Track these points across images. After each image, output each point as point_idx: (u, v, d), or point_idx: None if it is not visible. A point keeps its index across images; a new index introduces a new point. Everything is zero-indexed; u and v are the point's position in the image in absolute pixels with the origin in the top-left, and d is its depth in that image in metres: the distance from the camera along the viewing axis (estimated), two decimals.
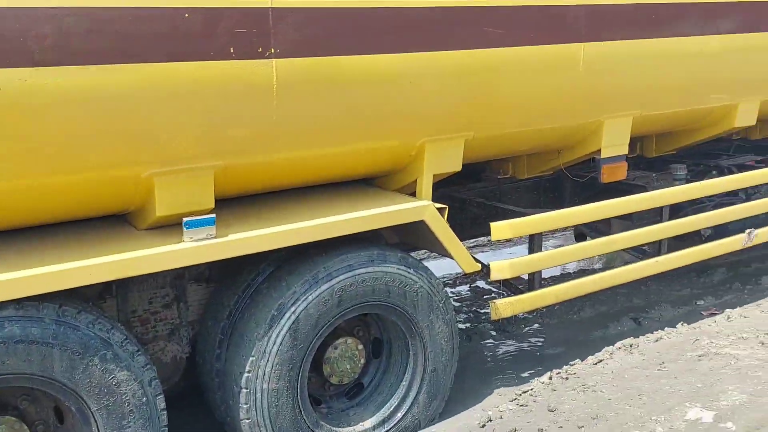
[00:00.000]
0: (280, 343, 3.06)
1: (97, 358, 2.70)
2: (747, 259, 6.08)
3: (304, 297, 3.10)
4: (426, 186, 3.68)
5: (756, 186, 5.24)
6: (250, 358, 3.04)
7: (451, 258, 3.70)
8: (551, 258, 4.16)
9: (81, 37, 2.50)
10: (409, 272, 3.46)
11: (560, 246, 6.21)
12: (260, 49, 2.91)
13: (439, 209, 3.55)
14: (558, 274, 5.80)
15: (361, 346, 3.46)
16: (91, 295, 3.05)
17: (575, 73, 3.85)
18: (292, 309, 3.08)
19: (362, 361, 3.49)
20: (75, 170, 2.67)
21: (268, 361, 3.04)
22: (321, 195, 3.58)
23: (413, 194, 3.71)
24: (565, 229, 5.06)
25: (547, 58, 3.75)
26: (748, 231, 5.00)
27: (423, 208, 3.48)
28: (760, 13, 4.59)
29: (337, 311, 3.20)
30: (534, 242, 4.07)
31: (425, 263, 5.56)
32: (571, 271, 5.91)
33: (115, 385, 2.75)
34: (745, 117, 4.87)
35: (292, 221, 3.08)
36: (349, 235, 3.22)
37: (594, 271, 5.29)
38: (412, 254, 3.78)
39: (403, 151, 3.61)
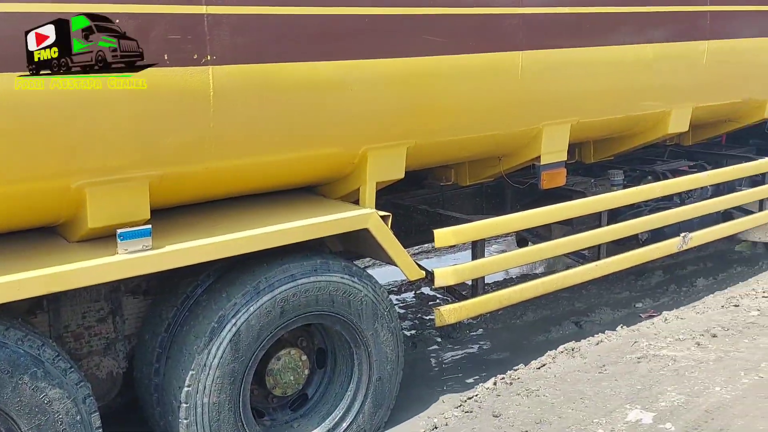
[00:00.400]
0: (221, 356, 2.99)
1: (27, 376, 2.59)
2: (682, 262, 6.27)
3: (246, 308, 3.04)
4: (369, 194, 3.66)
5: (689, 190, 5.42)
6: (190, 372, 2.96)
7: (396, 266, 3.69)
8: (494, 264, 4.20)
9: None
10: (353, 281, 3.43)
11: (503, 251, 6.33)
12: (196, 56, 2.85)
13: (382, 217, 3.53)
14: (501, 279, 5.86)
15: (304, 357, 3.41)
16: (20, 310, 2.92)
17: (514, 80, 3.90)
18: (233, 321, 3.01)
19: (306, 371, 3.44)
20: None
21: (208, 374, 2.97)
22: (262, 204, 3.53)
23: (357, 202, 3.70)
24: (507, 234, 5.11)
25: (487, 66, 3.78)
26: (682, 234, 5.15)
27: (366, 216, 3.46)
28: (691, 22, 4.74)
29: (279, 322, 3.15)
30: (477, 248, 4.10)
31: (370, 271, 5.57)
32: (514, 276, 5.98)
33: (47, 403, 2.64)
34: (678, 123, 5.03)
35: (231, 231, 3.02)
36: (291, 244, 3.18)
37: (536, 276, 5.35)
38: (357, 262, 3.77)
39: (345, 159, 3.59)
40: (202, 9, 2.83)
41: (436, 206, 4.74)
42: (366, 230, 3.47)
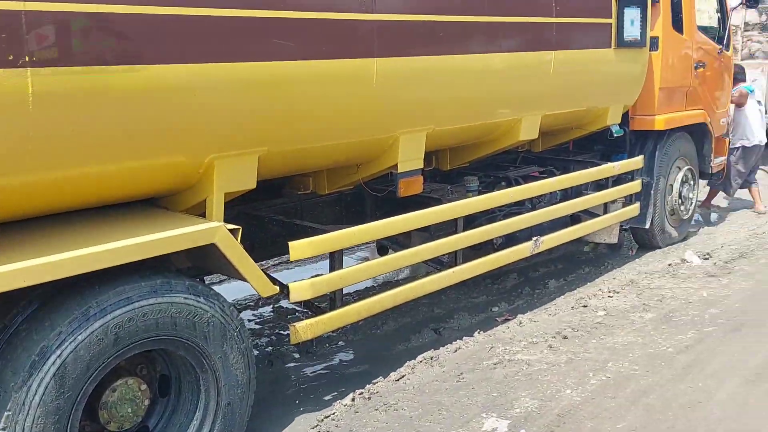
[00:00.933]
0: (44, 393, 2.65)
1: None
2: (535, 264, 6.49)
3: (73, 337, 2.72)
4: (217, 205, 3.43)
5: (540, 195, 5.61)
6: (6, 414, 2.60)
7: (247, 282, 3.48)
8: (353, 275, 4.08)
9: None
10: (198, 301, 3.18)
11: (367, 258, 6.27)
12: (11, 57, 2.52)
13: (231, 230, 3.31)
14: (363, 288, 5.78)
15: (144, 386, 3.12)
16: None
17: (369, 88, 3.81)
18: (58, 352, 2.69)
19: (146, 402, 3.14)
20: None
21: (28, 414, 2.62)
22: (98, 219, 3.20)
23: (204, 214, 3.46)
24: (367, 243, 5.02)
25: (341, 72, 3.67)
26: (534, 238, 5.31)
27: (213, 230, 3.23)
28: (538, 33, 4.88)
29: (113, 350, 2.85)
30: (335, 259, 3.97)
31: (225, 285, 5.29)
32: (375, 285, 5.92)
33: None
34: (528, 131, 5.17)
35: (57, 251, 2.69)
36: (127, 263, 2.89)
37: (397, 283, 5.32)
38: (207, 278, 3.52)
39: (189, 168, 3.34)
40: (19, 5, 2.51)
41: (293, 216, 4.57)
42: (213, 245, 3.24)
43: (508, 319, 5.14)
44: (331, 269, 3.98)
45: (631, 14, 5.64)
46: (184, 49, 3.02)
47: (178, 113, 3.10)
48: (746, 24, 11.19)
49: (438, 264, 4.81)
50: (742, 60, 11.30)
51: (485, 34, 4.51)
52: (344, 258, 4.06)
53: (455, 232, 4.71)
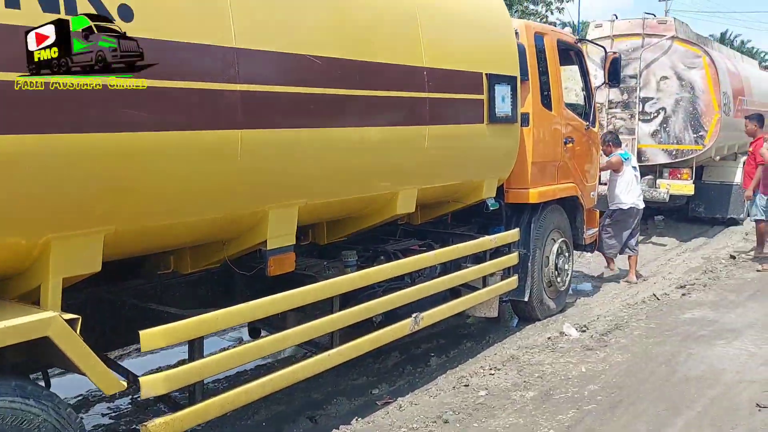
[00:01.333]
0: None
1: None
2: (417, 340, 6.31)
3: None
4: (53, 292, 3.03)
5: (420, 270, 5.48)
6: None
7: (88, 377, 3.05)
8: (215, 365, 3.71)
9: None
10: (27, 404, 2.76)
11: (240, 339, 5.85)
12: None
13: (69, 320, 2.91)
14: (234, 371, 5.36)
15: None
16: None
17: (233, 161, 3.56)
18: None
19: None
20: None
21: None
22: None
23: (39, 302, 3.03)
24: (234, 327, 4.67)
25: (201, 144, 3.40)
26: (414, 315, 5.14)
27: (46, 321, 2.83)
28: (412, 108, 4.84)
29: None
30: (194, 348, 3.59)
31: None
32: (247, 370, 5.51)
33: None
34: (405, 204, 5.07)
35: None
36: None
37: (273, 367, 4.96)
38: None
39: (21, 249, 2.94)
40: None
41: (150, 299, 4.17)
42: (47, 338, 2.81)
43: (389, 402, 4.89)
44: (191, 359, 3.60)
45: (502, 91, 5.75)
46: (10, 119, 2.67)
47: (6, 188, 2.72)
48: (610, 102, 11.91)
49: (313, 347, 4.51)
50: None
51: (358, 107, 4.40)
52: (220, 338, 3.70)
53: (331, 311, 4.45)
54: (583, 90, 7.99)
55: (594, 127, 7.92)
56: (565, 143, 7.11)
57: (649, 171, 11.89)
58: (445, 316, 5.63)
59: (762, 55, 48.86)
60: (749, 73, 14.25)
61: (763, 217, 9.12)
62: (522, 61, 6.26)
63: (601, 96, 11.97)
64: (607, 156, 8.76)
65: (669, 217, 13.78)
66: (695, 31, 12.57)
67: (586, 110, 7.82)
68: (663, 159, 11.63)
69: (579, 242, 7.75)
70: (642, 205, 8.71)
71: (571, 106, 7.60)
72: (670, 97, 11.47)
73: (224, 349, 4.51)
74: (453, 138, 5.32)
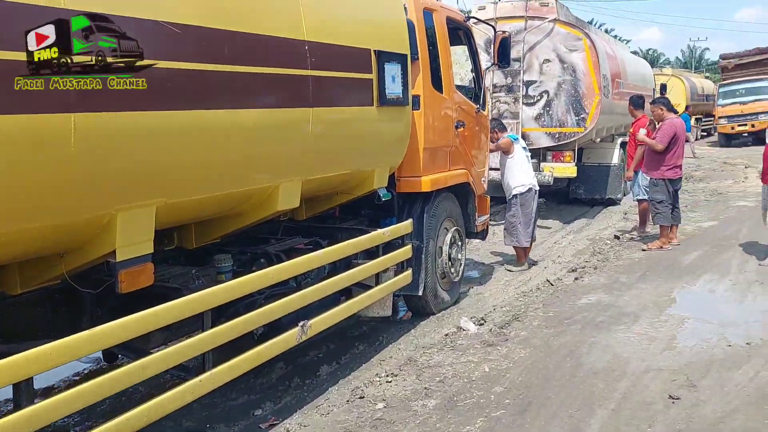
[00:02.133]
0: None
1: None
2: (305, 347, 5.71)
3: None
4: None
5: (306, 272, 4.88)
6: None
7: None
8: (51, 410, 2.94)
9: None
10: None
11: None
12: None
13: None
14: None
15: None
16: None
17: (64, 152, 2.81)
18: None
19: None
20: None
21: None
22: None
23: None
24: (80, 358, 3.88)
25: (15, 132, 2.63)
26: (301, 323, 4.55)
27: None
28: (293, 87, 4.21)
29: None
30: (22, 393, 2.83)
31: None
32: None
33: None
34: (287, 199, 4.44)
35: None
36: None
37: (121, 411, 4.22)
38: None
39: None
40: None
41: None
42: None
43: (274, 425, 4.30)
44: (17, 406, 2.82)
45: (392, 70, 5.24)
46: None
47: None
48: (494, 86, 11.75)
49: (182, 371, 3.81)
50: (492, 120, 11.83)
51: (228, 86, 3.71)
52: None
53: (202, 329, 3.77)
54: (472, 72, 7.65)
55: (484, 110, 7.60)
56: (457, 127, 6.72)
57: (533, 155, 11.81)
58: (337, 320, 5.07)
59: (624, 42, 51.63)
60: (624, 56, 14.62)
61: (645, 197, 9.21)
62: (411, 39, 5.78)
63: (486, 79, 11.80)
64: (494, 142, 8.50)
65: (550, 200, 13.93)
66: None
67: (476, 93, 7.48)
68: (547, 142, 11.61)
69: (471, 230, 7.42)
70: (537, 186, 8.51)
71: (461, 89, 7.23)
72: (553, 80, 11.45)
73: (74, 383, 3.72)
74: (341, 123, 4.75)
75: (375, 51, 5.00)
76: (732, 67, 29.42)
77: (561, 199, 13.79)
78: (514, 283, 7.68)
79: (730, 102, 27.01)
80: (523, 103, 11.57)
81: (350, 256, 5.36)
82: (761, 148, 7.81)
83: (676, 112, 8.78)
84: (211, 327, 3.78)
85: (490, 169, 11.71)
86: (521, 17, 11.35)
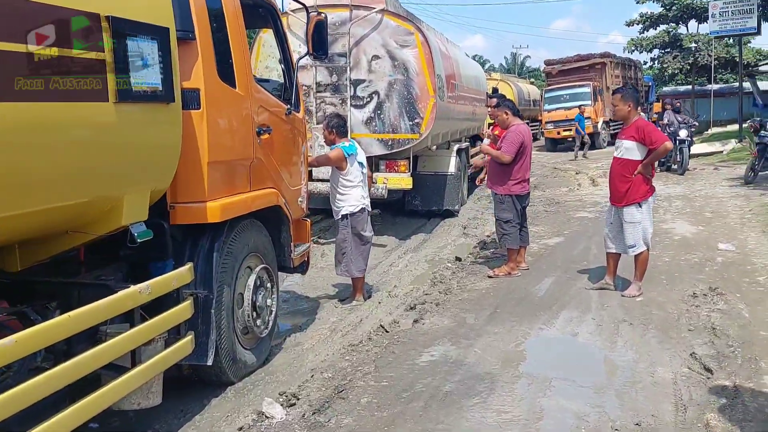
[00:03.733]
0: None
1: None
2: None
3: None
4: None
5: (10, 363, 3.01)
6: None
7: None
8: None
9: None
10: None
11: None
12: None
13: None
14: None
15: None
16: None
17: None
18: None
19: None
20: None
21: None
22: None
23: None
24: None
25: None
26: None
27: None
28: None
29: None
30: None
31: None
32: None
33: None
34: None
35: None
36: None
37: None
38: None
39: None
40: None
41: None
42: None
43: None
44: None
45: (143, 50, 3.50)
46: None
47: None
48: (318, 84, 10.23)
49: None
50: (318, 124, 10.29)
51: None
52: None
53: None
54: (281, 63, 6.03)
55: (299, 111, 6.01)
56: (259, 134, 5.08)
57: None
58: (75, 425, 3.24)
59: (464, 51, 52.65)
60: (458, 56, 13.68)
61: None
62: (181, 10, 4.06)
63: (308, 77, 10.25)
64: (329, 146, 6.95)
65: (385, 211, 12.71)
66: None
67: (287, 88, 5.87)
68: (379, 150, 10.25)
69: (286, 264, 5.82)
70: (370, 206, 7.07)
71: (265, 85, 5.59)
72: (383, 80, 10.11)
73: None
74: (49, 128, 2.93)
75: (108, 17, 3.23)
76: (556, 73, 30.34)
77: (396, 211, 12.60)
78: (341, 328, 6.15)
79: (555, 107, 27.65)
80: (351, 104, 10.15)
81: (92, 328, 3.54)
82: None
83: (522, 117, 7.64)
84: None
85: (318, 180, 10.31)
86: (345, 6, 9.91)
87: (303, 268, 6.29)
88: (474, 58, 67.81)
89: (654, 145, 6.14)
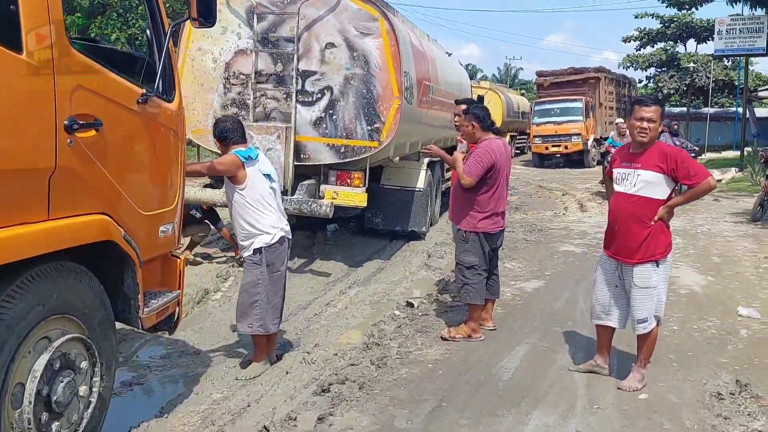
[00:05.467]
0: None
1: None
2: None
3: None
4: None
5: None
6: None
7: None
8: None
9: None
10: None
11: None
12: None
13: None
14: None
15: None
16: None
17: None
18: None
19: None
20: None
21: None
22: None
23: None
24: None
25: None
26: None
27: None
28: None
29: None
30: None
31: None
32: None
33: None
34: None
35: None
36: None
37: None
38: None
39: None
40: None
41: None
42: None
43: None
44: None
45: None
46: None
47: None
48: (259, 73, 8.35)
49: None
50: (256, 122, 8.41)
51: None
52: None
53: None
54: (148, 29, 4.12)
55: (170, 99, 4.12)
56: (71, 128, 3.18)
57: (312, 174, 8.62)
58: None
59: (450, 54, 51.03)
60: (438, 56, 11.79)
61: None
62: None
63: (247, 64, 8.37)
64: (220, 152, 5.12)
65: (344, 227, 10.89)
66: None
67: (148, 63, 3.98)
68: (329, 158, 8.38)
69: (134, 324, 3.94)
70: (290, 234, 5.21)
71: (110, 57, 3.70)
72: (339, 73, 8.24)
73: None
74: None
75: None
76: (548, 85, 28.71)
77: (356, 228, 10.77)
78: (217, 419, 4.24)
79: (545, 121, 26.00)
80: (297, 101, 8.26)
81: None
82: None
83: (497, 131, 5.72)
84: None
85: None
86: None
87: (168, 325, 4.38)
88: (467, 67, 66.33)
89: (692, 181, 4.34)
